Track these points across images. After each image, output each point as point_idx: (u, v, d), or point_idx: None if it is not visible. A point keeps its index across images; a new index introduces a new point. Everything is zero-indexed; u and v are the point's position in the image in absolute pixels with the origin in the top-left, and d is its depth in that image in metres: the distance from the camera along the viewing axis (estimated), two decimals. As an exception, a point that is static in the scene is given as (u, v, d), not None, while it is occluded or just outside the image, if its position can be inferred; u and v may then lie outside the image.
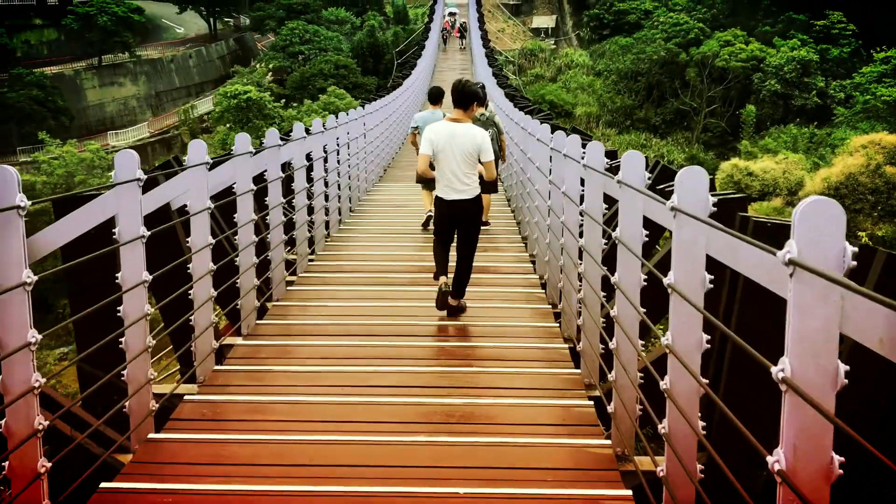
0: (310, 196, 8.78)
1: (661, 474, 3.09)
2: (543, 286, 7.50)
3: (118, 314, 4.17)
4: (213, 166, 6.34)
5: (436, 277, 6.44)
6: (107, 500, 3.51)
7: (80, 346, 5.40)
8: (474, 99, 6.43)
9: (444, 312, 6.40)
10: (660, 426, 3.13)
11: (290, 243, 8.30)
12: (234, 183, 6.09)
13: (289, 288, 7.40)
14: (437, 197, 6.35)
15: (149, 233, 4.16)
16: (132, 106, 54.42)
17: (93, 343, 4.07)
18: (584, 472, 3.79)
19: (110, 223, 4.24)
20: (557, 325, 6.22)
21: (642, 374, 4.04)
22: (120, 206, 4.09)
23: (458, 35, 52.20)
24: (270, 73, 51.45)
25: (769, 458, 2.06)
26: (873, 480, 3.14)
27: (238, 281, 6.11)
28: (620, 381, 4.03)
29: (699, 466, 3.05)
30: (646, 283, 3.98)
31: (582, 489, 3.60)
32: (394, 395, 4.73)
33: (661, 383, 3.08)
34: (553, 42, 60.43)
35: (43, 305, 22.79)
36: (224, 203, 6.48)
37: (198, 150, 5.02)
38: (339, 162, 10.61)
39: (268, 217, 7.00)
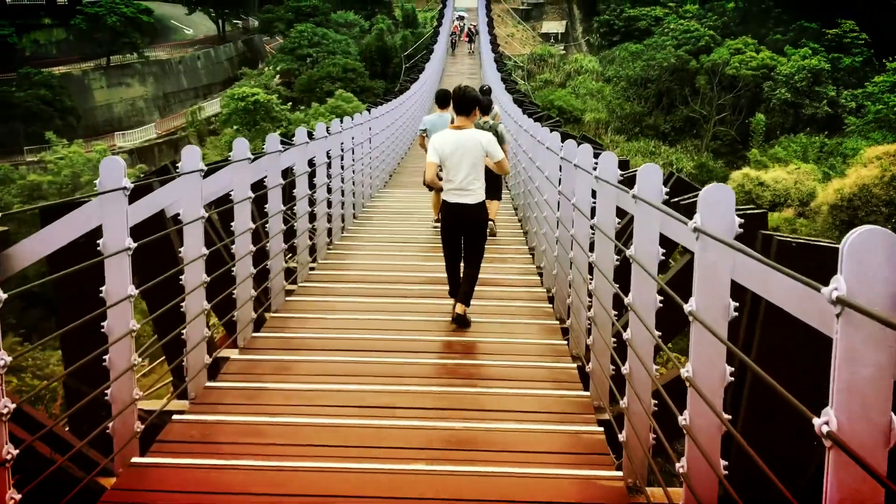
0: (312, 203, 8.57)
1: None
2: (550, 300, 7.26)
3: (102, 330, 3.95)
4: (209, 173, 6.15)
5: (450, 294, 6.65)
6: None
7: (67, 360, 5.19)
8: (475, 104, 6.45)
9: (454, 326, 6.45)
10: (678, 465, 2.89)
11: (292, 250, 8.09)
12: (232, 190, 5.88)
13: (288, 299, 7.17)
14: (443, 201, 6.45)
15: (135, 244, 3.93)
16: (140, 107, 54.42)
17: (79, 358, 3.86)
18: (594, 506, 3.55)
19: (99, 232, 4.04)
20: (565, 342, 5.98)
21: (656, 402, 3.80)
22: (105, 216, 3.87)
23: (467, 39, 52.04)
24: (278, 76, 51.40)
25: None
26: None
27: (234, 292, 5.89)
28: (633, 409, 3.78)
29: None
30: (661, 305, 3.74)
31: (591, 526, 3.36)
32: (393, 418, 4.50)
33: (680, 419, 2.83)
34: (562, 47, 60.22)
35: (49, 309, 22.70)
36: (223, 210, 6.31)
37: (191, 157, 4.80)
38: (342, 167, 10.39)
39: (267, 225, 6.79)
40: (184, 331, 4.97)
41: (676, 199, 5.12)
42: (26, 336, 21.78)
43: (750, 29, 50.89)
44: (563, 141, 7.42)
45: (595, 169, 5.33)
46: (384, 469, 3.85)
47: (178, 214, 5.11)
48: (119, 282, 3.89)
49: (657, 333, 3.70)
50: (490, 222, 9.43)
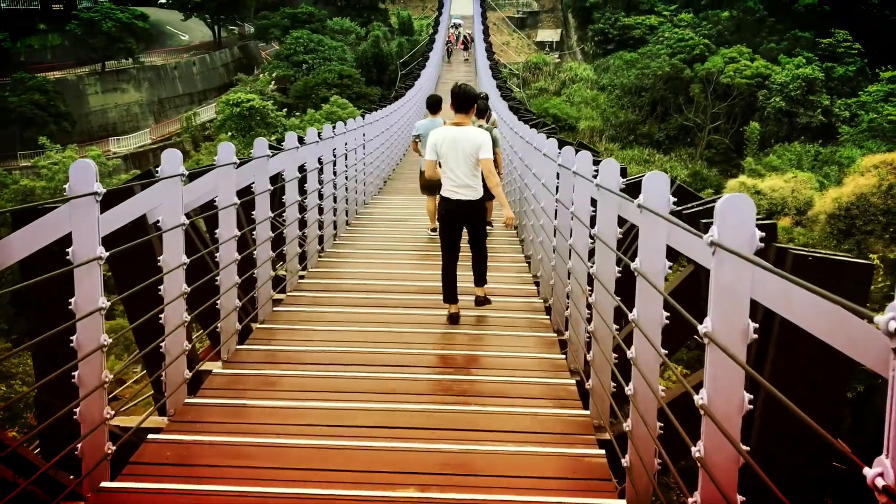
0: (302, 209, 8.33)
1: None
2: (547, 310, 7.03)
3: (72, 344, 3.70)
4: (194, 177, 5.91)
5: (444, 301, 6.66)
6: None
7: (38, 373, 4.94)
8: (474, 102, 6.53)
9: (451, 323, 6.54)
10: (690, 500, 2.65)
11: (282, 258, 7.85)
12: (216, 196, 5.63)
13: (276, 309, 6.91)
14: (442, 198, 6.53)
15: (107, 254, 3.68)
16: (135, 112, 54.11)
17: (50, 371, 3.61)
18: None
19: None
20: (563, 356, 5.74)
21: (661, 424, 3.57)
22: (74, 224, 3.62)
23: (463, 47, 51.95)
24: (274, 82, 51.19)
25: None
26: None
27: (218, 302, 5.64)
28: (637, 432, 3.55)
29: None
30: (668, 322, 3.51)
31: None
32: (384, 439, 4.24)
33: (694, 450, 2.59)
34: (557, 56, 60.16)
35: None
36: (210, 216, 6.07)
37: (171, 161, 4.56)
38: (335, 173, 10.15)
39: (255, 232, 6.55)
40: (163, 343, 4.73)
41: (680, 209, 4.90)
42: (17, 342, 21.44)
43: (744, 38, 50.92)
44: (560, 148, 7.21)
45: (595, 176, 5.12)
46: (374, 497, 3.60)
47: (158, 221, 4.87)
48: (89, 293, 3.64)
49: (663, 352, 3.47)
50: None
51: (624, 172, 8.23)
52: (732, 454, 2.50)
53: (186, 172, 4.61)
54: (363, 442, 4.19)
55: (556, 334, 6.37)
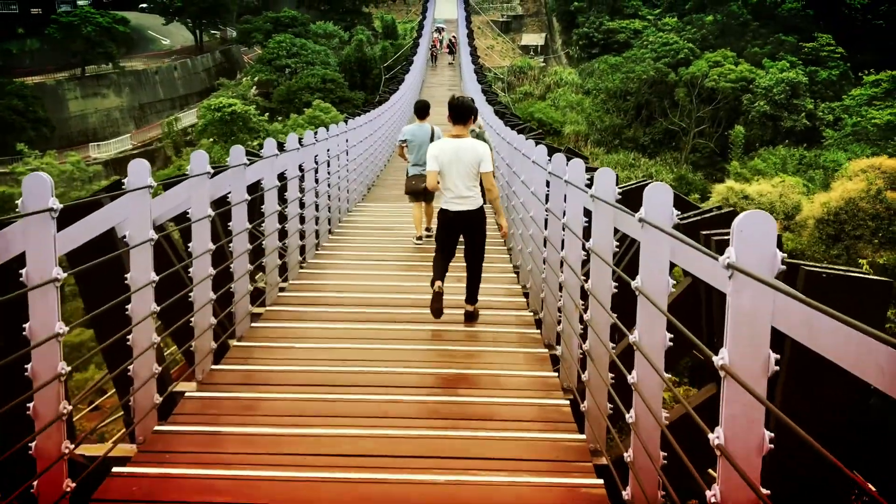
0: (282, 219, 8.04)
1: None
2: (538, 323, 6.78)
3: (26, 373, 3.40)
4: (167, 187, 5.62)
5: (432, 283, 6.60)
6: None
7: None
8: (471, 113, 6.64)
9: (438, 317, 6.49)
10: (705, 548, 2.40)
11: (261, 269, 7.55)
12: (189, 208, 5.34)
13: (254, 325, 6.60)
14: (441, 209, 6.65)
15: (64, 274, 3.39)
16: (115, 118, 53.49)
17: (3, 403, 3.31)
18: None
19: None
20: (556, 374, 5.48)
21: (665, 454, 3.32)
22: (28, 242, 3.33)
23: (448, 51, 51.79)
24: (256, 87, 50.77)
25: None
26: None
27: (192, 320, 5.35)
28: (640, 462, 3.30)
29: None
30: (671, 344, 3.27)
31: None
32: (368, 469, 3.96)
33: (709, 494, 2.34)
34: (542, 60, 60.15)
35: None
36: (186, 228, 5.77)
37: (138, 172, 4.26)
38: (317, 181, 9.86)
39: (232, 244, 6.25)
40: (131, 367, 4.43)
41: (680, 220, 4.66)
42: None
43: (728, 42, 51.12)
44: (549, 154, 6.98)
45: (589, 185, 4.89)
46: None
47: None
48: (45, 318, 3.35)
49: (667, 376, 3.23)
50: None
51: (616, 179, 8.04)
52: (752, 498, 2.25)
53: (154, 184, 4.32)
54: (346, 473, 3.91)
55: (546, 349, 6.12)
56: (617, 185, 4.44)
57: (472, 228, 6.61)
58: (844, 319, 1.78)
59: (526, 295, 7.77)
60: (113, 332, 4.51)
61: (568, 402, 5.00)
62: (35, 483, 3.42)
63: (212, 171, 5.33)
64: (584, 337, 4.89)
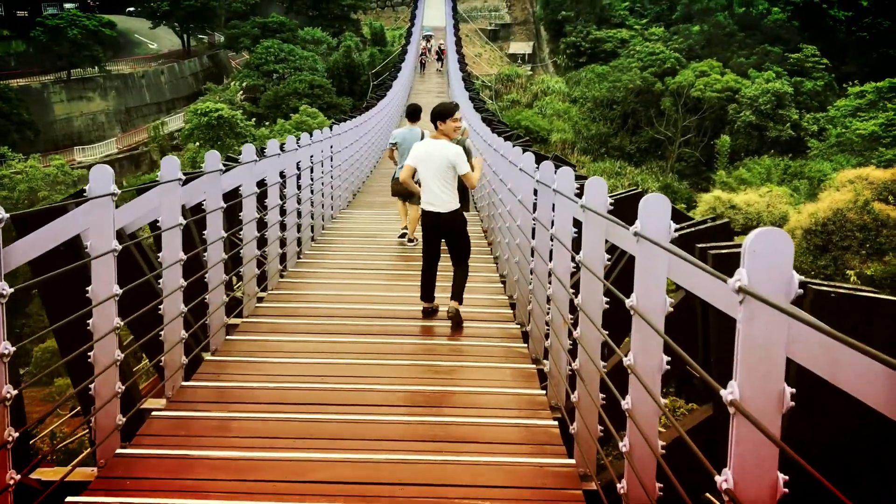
0: (262, 226, 7.77)
1: None
2: (524, 335, 6.54)
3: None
4: (140, 193, 5.36)
5: (421, 299, 6.98)
6: None
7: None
8: (444, 115, 6.83)
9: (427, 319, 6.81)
10: None
11: (240, 277, 7.28)
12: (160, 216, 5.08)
13: (229, 337, 6.33)
14: (421, 209, 6.90)
15: (11, 290, 3.12)
16: (101, 121, 52.92)
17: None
18: None
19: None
20: (543, 392, 5.24)
21: (661, 485, 3.10)
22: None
23: (436, 57, 51.69)
24: (243, 92, 50.44)
25: None
26: None
27: (161, 333, 5.08)
28: (634, 494, 3.07)
29: None
30: (668, 367, 3.04)
31: None
32: (345, 498, 3.71)
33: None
34: (530, 68, 60.20)
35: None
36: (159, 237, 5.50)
37: (100, 179, 4.00)
38: (299, 187, 9.60)
39: (206, 253, 5.99)
40: (93, 385, 4.16)
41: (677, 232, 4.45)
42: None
43: (714, 52, 51.36)
44: (537, 162, 6.77)
45: (579, 195, 4.67)
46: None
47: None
48: (-10, 336, 3.08)
49: (663, 402, 3.00)
50: None
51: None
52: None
53: (118, 191, 4.06)
54: None
55: (533, 364, 5.89)
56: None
57: (446, 230, 6.78)
58: (878, 356, 1.56)
59: (513, 306, 7.54)
60: (75, 347, 4.25)
61: (556, 422, 4.76)
62: (-21, 515, 3.14)
63: (183, 177, 5.06)
64: (573, 353, 4.67)
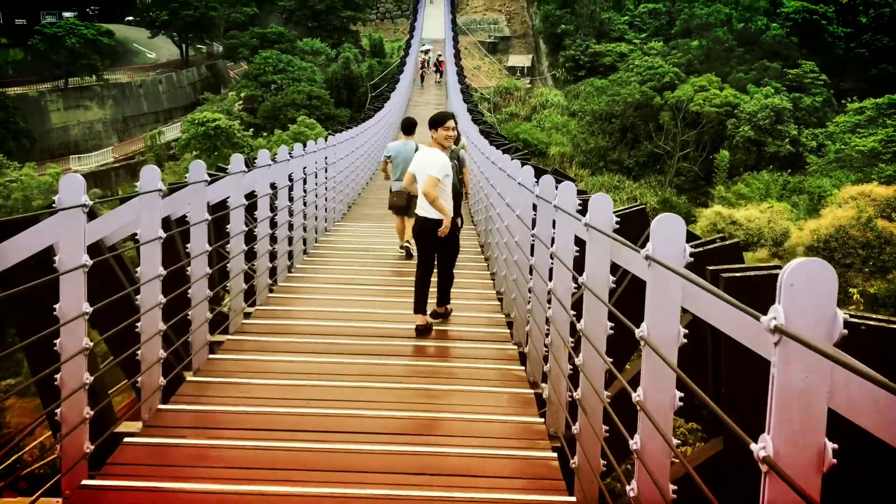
0: (252, 239, 7.50)
1: None
2: (521, 357, 6.27)
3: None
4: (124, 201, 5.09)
5: (414, 311, 6.98)
6: None
7: None
8: (436, 124, 7.05)
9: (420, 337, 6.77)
10: None
11: (228, 290, 7.00)
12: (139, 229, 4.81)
13: (211, 356, 6.04)
14: (415, 215, 7.07)
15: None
16: (98, 130, 52.71)
17: None
18: None
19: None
20: (542, 421, 4.96)
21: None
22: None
23: (434, 70, 51.62)
24: (241, 102, 50.29)
25: None
26: None
27: (138, 353, 4.80)
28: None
29: None
30: (681, 404, 2.77)
31: None
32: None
33: None
34: (528, 81, 60.18)
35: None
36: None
37: (70, 190, 3.73)
38: (291, 199, 9.33)
39: (189, 268, 5.71)
40: (62, 409, 3.88)
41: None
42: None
43: (713, 67, 51.37)
44: (536, 176, 6.53)
45: (581, 211, 4.42)
46: None
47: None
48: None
49: (675, 442, 2.73)
50: None
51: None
52: None
53: (90, 202, 3.79)
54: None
55: (531, 388, 5.61)
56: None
57: (434, 236, 6.90)
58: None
59: (509, 324, 7.27)
60: (45, 367, 3.98)
61: (555, 454, 4.48)
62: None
63: (164, 188, 4.80)
64: (573, 380, 4.40)
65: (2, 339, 18.51)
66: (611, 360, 3.65)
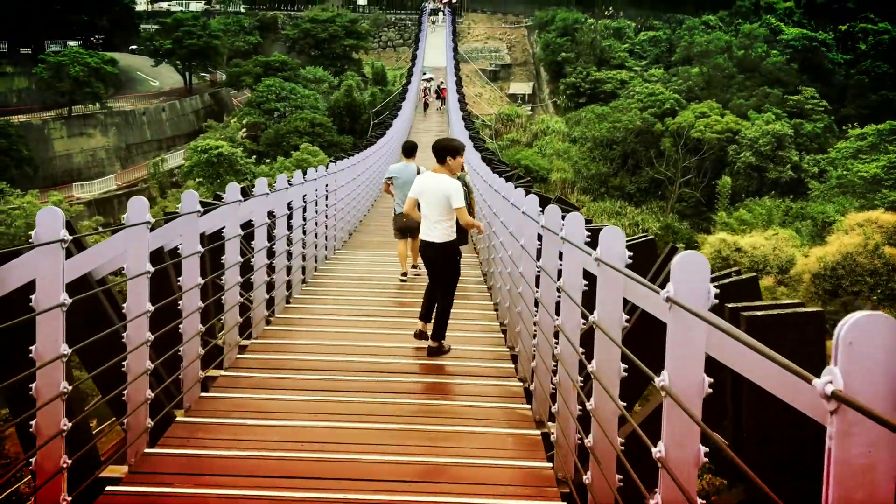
0: (248, 269, 7.27)
1: None
2: (527, 394, 6.00)
3: None
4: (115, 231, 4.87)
5: (419, 317, 7.27)
6: None
7: None
8: (447, 152, 7.13)
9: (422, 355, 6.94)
10: None
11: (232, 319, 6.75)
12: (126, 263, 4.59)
13: (204, 394, 5.78)
14: (420, 239, 7.26)
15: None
16: (101, 157, 52.86)
17: None
18: None
19: None
20: (549, 464, 4.69)
21: None
22: None
23: (436, 97, 51.82)
24: (244, 129, 50.45)
25: None
26: None
27: (125, 393, 4.55)
28: None
29: None
30: (706, 459, 2.52)
31: None
32: None
33: None
34: (529, 108, 60.40)
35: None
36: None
37: (47, 224, 3.51)
38: (290, 228, 9.13)
39: (181, 301, 5.48)
40: (37, 457, 3.63)
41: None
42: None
43: (714, 94, 51.54)
44: (541, 205, 6.32)
45: (590, 243, 4.20)
46: None
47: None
48: None
49: (700, 502, 2.47)
50: None
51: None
52: None
53: (69, 238, 3.57)
54: None
55: (537, 428, 5.34)
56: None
57: (436, 260, 7.05)
58: None
59: (514, 358, 7.01)
60: (23, 411, 3.75)
61: (561, 496, 4.21)
62: None
63: (151, 220, 4.59)
64: (583, 422, 4.14)
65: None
66: (624, 404, 3.41)
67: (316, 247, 11.17)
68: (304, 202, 10.19)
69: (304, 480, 4.32)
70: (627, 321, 3.69)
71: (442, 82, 52.83)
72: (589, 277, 4.48)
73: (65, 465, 3.67)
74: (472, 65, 66.20)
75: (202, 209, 5.57)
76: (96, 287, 5.02)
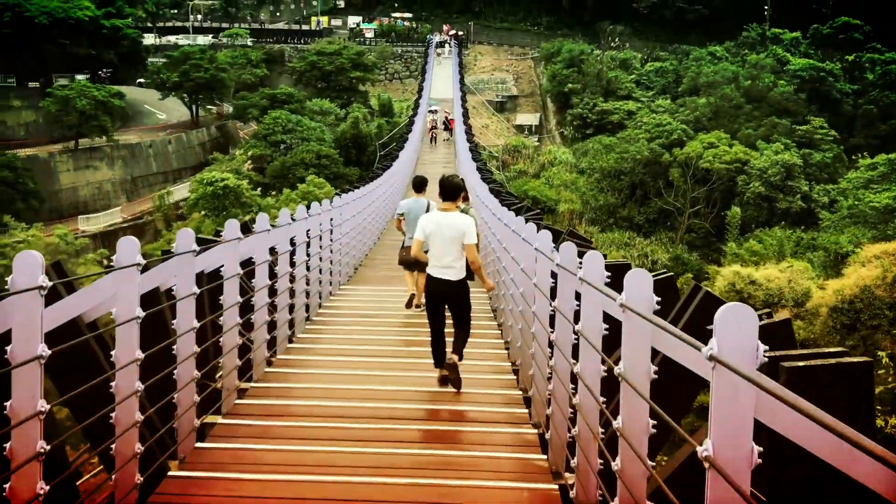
0: (248, 309, 6.98)
1: None
2: (542, 440, 5.65)
3: None
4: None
5: (435, 366, 7.16)
6: None
7: None
8: (459, 192, 7.22)
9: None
10: None
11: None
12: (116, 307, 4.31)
13: (198, 445, 5.45)
14: (427, 274, 7.11)
15: None
16: (107, 190, 53.01)
17: None
18: None
19: None
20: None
21: None
22: None
23: (443, 128, 51.96)
24: (251, 161, 50.57)
25: None
26: None
27: (113, 446, 4.24)
28: None
29: None
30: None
31: None
32: None
33: None
34: (536, 139, 60.47)
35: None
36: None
37: (24, 270, 3.25)
38: (293, 264, 8.85)
39: (176, 346, 5.19)
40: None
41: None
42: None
43: (722, 124, 51.48)
44: (554, 239, 6.03)
45: (611, 285, 3.91)
46: None
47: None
48: None
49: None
50: None
51: (621, 270, 7.08)
52: None
53: (48, 284, 3.30)
54: None
55: (554, 480, 4.98)
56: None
57: (451, 297, 7.02)
58: None
59: (527, 401, 6.66)
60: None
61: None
62: None
63: (143, 261, 4.32)
64: (605, 477, 3.81)
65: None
66: (653, 464, 3.08)
67: (320, 283, 10.89)
68: (308, 237, 9.93)
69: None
70: (656, 372, 3.37)
71: (448, 113, 53.00)
72: (609, 320, 4.19)
73: (41, 533, 3.36)
74: (479, 96, 66.52)
75: (198, 248, 5.29)
76: (86, 332, 4.74)
